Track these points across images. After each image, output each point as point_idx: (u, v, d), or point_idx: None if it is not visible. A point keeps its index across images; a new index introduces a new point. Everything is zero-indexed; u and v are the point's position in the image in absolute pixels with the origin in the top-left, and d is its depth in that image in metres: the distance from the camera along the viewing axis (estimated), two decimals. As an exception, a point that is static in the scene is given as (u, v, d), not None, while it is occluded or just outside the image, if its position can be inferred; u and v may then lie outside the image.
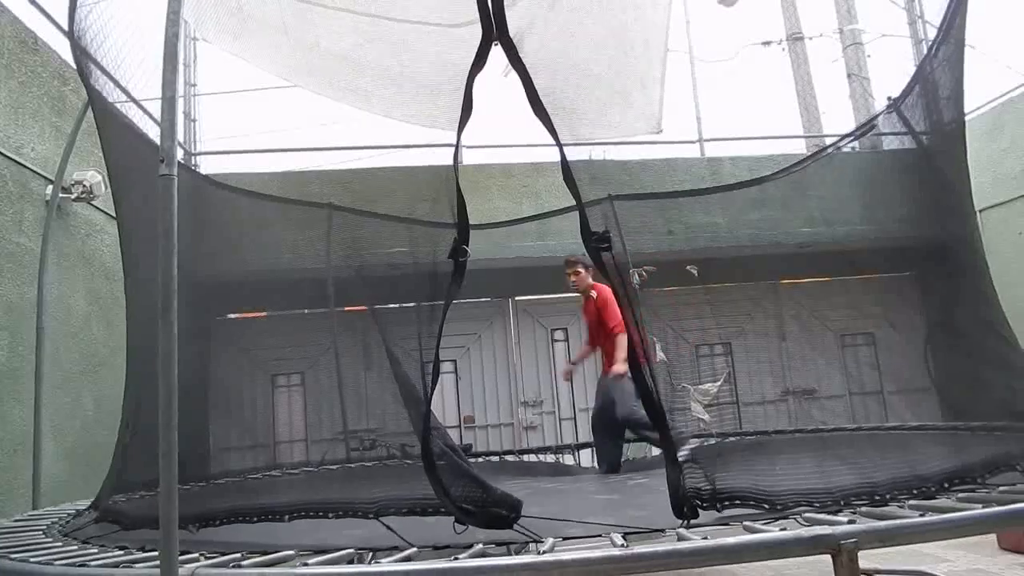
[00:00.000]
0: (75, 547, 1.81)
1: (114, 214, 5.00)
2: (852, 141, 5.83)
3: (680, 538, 1.40)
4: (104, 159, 2.86)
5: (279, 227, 4.60)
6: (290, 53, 4.35)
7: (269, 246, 4.48)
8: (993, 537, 3.66)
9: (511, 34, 1.80)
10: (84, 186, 4.43)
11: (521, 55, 1.78)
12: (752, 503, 1.43)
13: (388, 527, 1.55)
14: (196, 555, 1.51)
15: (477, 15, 1.96)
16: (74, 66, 4.59)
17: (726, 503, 1.42)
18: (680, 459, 1.48)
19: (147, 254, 2.43)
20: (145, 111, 3.07)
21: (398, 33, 4.08)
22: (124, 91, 2.70)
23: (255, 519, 1.84)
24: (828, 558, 1.41)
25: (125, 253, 2.85)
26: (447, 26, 3.74)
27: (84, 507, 2.54)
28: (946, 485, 1.58)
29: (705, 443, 1.60)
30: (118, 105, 2.69)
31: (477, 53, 1.77)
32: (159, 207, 1.34)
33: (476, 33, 2.04)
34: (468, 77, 1.78)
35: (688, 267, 1.72)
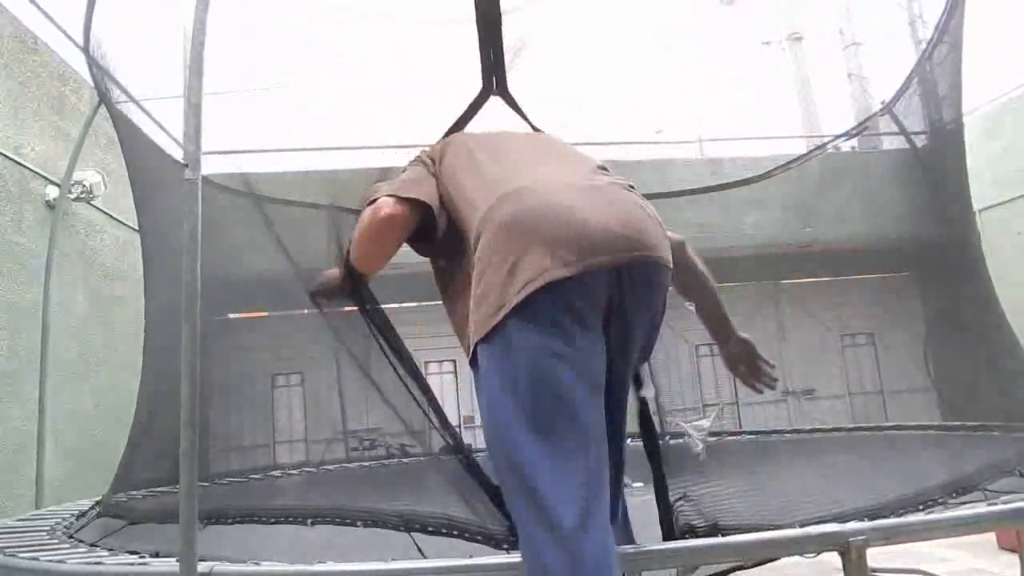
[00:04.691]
0: (84, 548, 1.81)
1: (114, 214, 5.02)
2: (844, 141, 5.83)
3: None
4: (127, 168, 2.91)
5: (280, 227, 4.59)
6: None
7: (269, 246, 4.47)
8: (993, 537, 3.66)
9: (517, 36, 1.79)
10: (84, 186, 4.43)
11: (526, 61, 1.78)
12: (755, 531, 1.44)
13: (417, 545, 1.53)
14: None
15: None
16: (73, 67, 4.61)
17: (728, 533, 1.42)
18: (672, 499, 1.46)
19: (168, 256, 2.46)
20: (158, 123, 3.09)
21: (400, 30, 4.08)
22: (142, 108, 2.74)
23: (275, 520, 1.84)
24: (828, 559, 1.42)
25: (146, 256, 2.92)
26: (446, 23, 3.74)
27: (88, 506, 2.54)
28: (949, 496, 1.59)
29: (697, 481, 1.56)
30: (132, 113, 2.72)
31: (472, 104, 1.75)
32: (183, 211, 1.34)
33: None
34: (455, 124, 1.76)
35: (687, 304, 1.73)
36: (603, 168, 1.46)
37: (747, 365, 1.75)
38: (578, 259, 1.18)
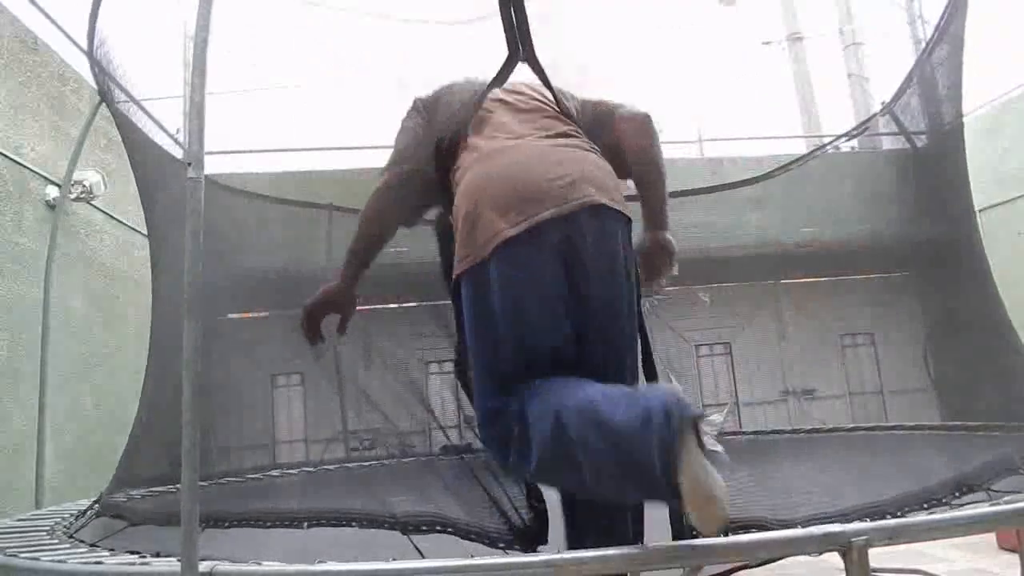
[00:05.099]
0: (84, 547, 1.81)
1: (114, 214, 5.02)
2: (844, 141, 5.84)
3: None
4: (132, 169, 2.94)
5: (280, 227, 4.60)
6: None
7: (270, 246, 4.47)
8: (993, 537, 3.65)
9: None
10: (84, 186, 4.43)
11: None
12: (762, 528, 1.44)
13: (416, 547, 1.54)
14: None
15: (482, 12, 1.89)
16: (73, 67, 4.61)
17: (730, 533, 1.42)
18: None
19: (173, 256, 2.46)
20: (159, 123, 3.10)
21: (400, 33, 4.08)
22: (143, 108, 2.75)
23: (270, 524, 1.83)
24: (829, 559, 1.42)
25: (153, 257, 2.95)
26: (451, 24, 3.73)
27: (87, 507, 2.54)
28: (952, 496, 1.60)
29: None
30: (134, 114, 2.73)
31: (500, 71, 1.64)
32: (186, 210, 1.35)
33: (482, 31, 1.99)
34: (485, 91, 1.66)
35: (700, 294, 1.70)
36: (572, 133, 1.59)
37: (652, 262, 1.67)
38: (526, 217, 1.35)
